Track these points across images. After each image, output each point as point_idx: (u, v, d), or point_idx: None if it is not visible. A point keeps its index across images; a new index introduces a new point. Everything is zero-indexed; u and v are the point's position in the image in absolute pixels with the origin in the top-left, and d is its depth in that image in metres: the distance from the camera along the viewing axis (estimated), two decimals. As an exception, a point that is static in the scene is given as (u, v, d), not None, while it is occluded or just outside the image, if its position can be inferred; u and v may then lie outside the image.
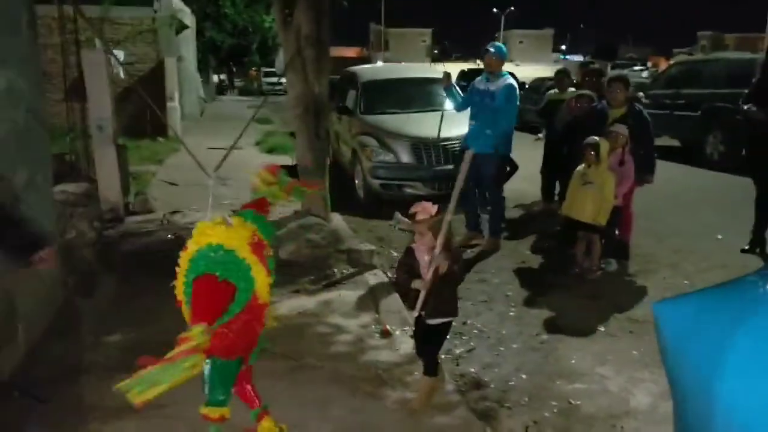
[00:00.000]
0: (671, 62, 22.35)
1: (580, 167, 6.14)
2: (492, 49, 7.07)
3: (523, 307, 5.53)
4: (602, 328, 5.09)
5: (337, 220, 7.79)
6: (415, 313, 3.54)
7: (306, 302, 5.33)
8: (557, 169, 8.23)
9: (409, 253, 3.58)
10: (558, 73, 9.41)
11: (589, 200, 6.02)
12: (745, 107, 6.63)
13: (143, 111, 13.66)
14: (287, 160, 12.39)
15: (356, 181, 9.77)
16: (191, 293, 2.68)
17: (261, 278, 2.81)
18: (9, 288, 4.04)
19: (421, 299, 3.46)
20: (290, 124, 16.83)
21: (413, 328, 4.02)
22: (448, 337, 3.88)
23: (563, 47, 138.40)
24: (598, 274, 6.21)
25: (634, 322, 5.20)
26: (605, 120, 6.43)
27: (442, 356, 4.23)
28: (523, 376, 4.36)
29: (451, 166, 8.58)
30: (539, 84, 19.92)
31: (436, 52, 72.69)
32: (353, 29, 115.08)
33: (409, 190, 8.96)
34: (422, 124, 9.15)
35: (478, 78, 7.31)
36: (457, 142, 8.42)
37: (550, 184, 8.77)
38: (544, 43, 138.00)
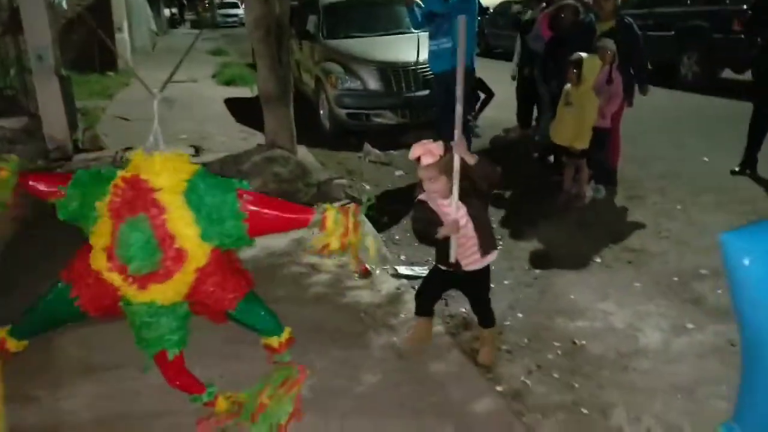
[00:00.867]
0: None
1: (566, 86, 5.68)
2: None
3: (511, 240, 5.14)
4: (598, 259, 4.72)
5: (303, 152, 7.24)
6: (452, 259, 3.11)
7: (276, 241, 4.81)
8: (533, 92, 7.77)
9: (421, 206, 3.13)
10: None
11: (569, 123, 5.59)
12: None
13: (90, 44, 12.79)
14: (246, 92, 11.75)
15: (321, 111, 9.17)
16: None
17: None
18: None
19: (455, 247, 3.06)
20: (247, 56, 16.08)
21: (422, 276, 3.68)
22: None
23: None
24: (585, 202, 5.83)
25: (631, 251, 4.85)
26: (593, 34, 5.94)
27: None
28: (519, 315, 3.98)
29: (422, 93, 8.08)
30: (505, 8, 19.18)
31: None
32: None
33: (377, 120, 8.45)
34: (390, 48, 8.60)
35: None
36: (428, 66, 7.91)
37: (526, 108, 8.32)
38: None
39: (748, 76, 11.76)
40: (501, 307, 4.04)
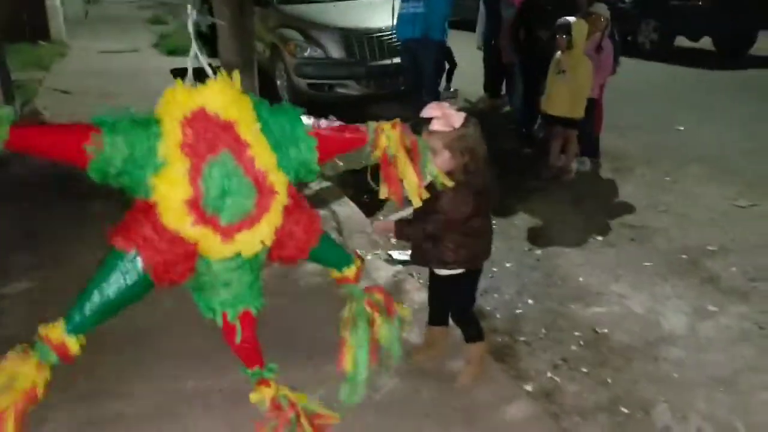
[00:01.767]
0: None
1: (557, 54, 5.36)
2: None
3: (503, 219, 4.80)
4: (599, 237, 4.46)
5: (267, 126, 6.75)
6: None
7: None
8: (499, 59, 7.44)
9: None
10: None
11: (564, 91, 5.27)
12: None
13: (18, 11, 11.85)
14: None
15: (278, 82, 8.59)
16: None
17: None
18: None
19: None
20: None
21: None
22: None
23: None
24: (572, 176, 5.56)
25: (631, 227, 4.60)
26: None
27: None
28: (530, 302, 3.67)
29: (389, 61, 7.66)
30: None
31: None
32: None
33: (341, 90, 7.94)
34: (354, 13, 8.12)
35: None
36: (392, 33, 7.53)
37: (494, 79, 8.00)
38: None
39: (702, 43, 11.80)
40: (509, 293, 3.76)
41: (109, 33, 14.76)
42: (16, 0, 11.79)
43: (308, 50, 7.89)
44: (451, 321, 2.92)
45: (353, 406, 2.47)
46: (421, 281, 3.65)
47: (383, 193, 2.27)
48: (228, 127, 1.97)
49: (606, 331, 3.36)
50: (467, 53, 8.33)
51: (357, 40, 7.85)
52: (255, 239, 2.04)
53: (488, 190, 2.57)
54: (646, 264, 4.06)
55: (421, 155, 2.23)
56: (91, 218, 4.14)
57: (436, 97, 6.58)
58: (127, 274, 1.95)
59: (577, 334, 3.35)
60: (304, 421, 2.29)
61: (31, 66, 10.10)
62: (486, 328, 3.33)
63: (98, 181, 1.95)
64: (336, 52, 7.88)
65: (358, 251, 4.01)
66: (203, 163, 1.93)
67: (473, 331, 2.84)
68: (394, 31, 7.23)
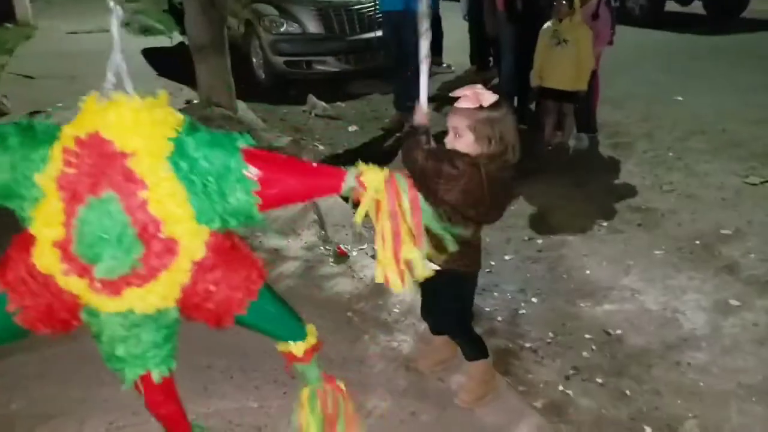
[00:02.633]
0: None
1: (549, 23, 4.98)
2: None
3: (499, 203, 4.46)
4: (604, 223, 4.12)
5: (243, 109, 6.34)
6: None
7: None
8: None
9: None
10: None
11: (567, 62, 4.90)
12: None
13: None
14: (165, 41, 10.59)
15: (254, 60, 8.14)
16: None
17: None
18: None
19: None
20: (161, 1, 14.72)
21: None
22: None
23: None
24: (570, 153, 5.21)
25: (637, 210, 4.27)
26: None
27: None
28: (534, 300, 3.34)
29: (369, 35, 7.25)
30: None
31: None
32: None
33: (319, 67, 7.56)
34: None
35: None
36: (372, 5, 7.13)
37: (482, 50, 7.61)
38: None
39: (693, 8, 11.41)
40: (510, 291, 3.42)
41: (78, 12, 14.16)
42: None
43: (284, 25, 7.51)
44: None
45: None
46: (411, 281, 3.30)
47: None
48: (120, 161, 1.55)
49: (620, 332, 3.04)
50: (455, 23, 7.92)
51: (335, 13, 7.49)
52: (149, 298, 1.63)
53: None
54: (657, 252, 3.73)
55: (422, 212, 1.66)
56: None
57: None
58: None
59: (588, 337, 3.02)
60: None
61: (-6, 50, 9.58)
62: (486, 331, 3.03)
63: None
64: (313, 26, 7.51)
65: (342, 246, 3.69)
66: (80, 203, 1.53)
67: (472, 347, 2.49)
68: (373, 3, 6.83)
